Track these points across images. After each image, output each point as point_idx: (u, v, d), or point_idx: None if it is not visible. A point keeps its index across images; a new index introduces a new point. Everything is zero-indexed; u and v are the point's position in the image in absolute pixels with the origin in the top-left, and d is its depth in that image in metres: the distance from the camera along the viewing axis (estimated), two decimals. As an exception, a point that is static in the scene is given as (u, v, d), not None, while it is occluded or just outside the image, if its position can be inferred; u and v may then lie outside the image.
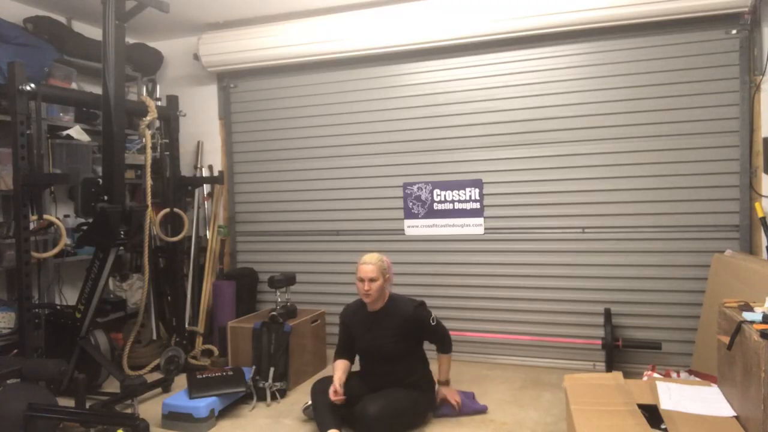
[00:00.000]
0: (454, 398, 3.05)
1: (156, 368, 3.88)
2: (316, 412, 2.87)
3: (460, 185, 4.07)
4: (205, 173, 4.77)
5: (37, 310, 3.38)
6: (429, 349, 3.09)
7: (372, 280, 2.90)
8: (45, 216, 3.31)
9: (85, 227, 3.42)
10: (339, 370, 2.95)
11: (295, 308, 3.82)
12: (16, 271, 3.19)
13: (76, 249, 3.84)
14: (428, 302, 3.10)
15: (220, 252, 4.65)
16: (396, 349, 2.93)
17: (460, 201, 4.08)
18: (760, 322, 2.06)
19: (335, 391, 2.80)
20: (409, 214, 4.22)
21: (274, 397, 3.35)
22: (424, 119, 4.14)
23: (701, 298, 3.40)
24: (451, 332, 3.14)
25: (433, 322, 2.98)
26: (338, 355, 3.07)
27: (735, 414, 2.18)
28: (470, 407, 3.09)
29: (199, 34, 4.50)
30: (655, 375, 3.06)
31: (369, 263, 2.93)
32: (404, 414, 2.85)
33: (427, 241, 4.17)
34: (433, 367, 3.12)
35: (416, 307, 2.98)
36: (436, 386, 3.11)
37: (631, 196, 3.68)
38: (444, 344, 3.08)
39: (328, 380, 2.93)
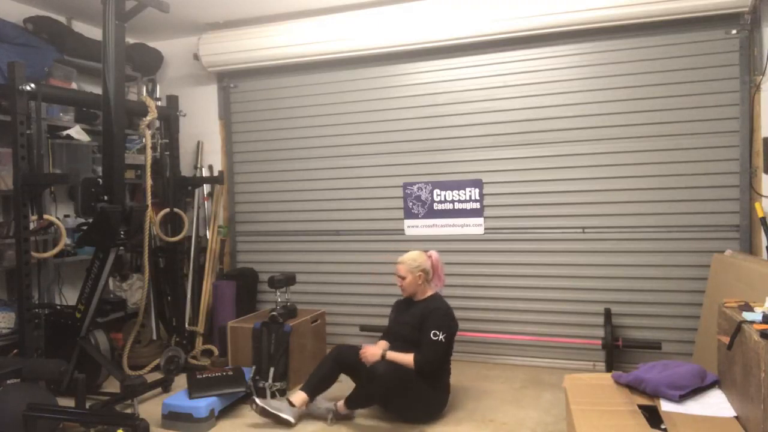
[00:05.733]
0: (371, 351, 2.96)
1: (156, 368, 3.88)
2: (315, 372, 3.09)
3: (460, 185, 4.07)
4: (205, 173, 4.77)
5: (37, 310, 3.38)
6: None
7: (401, 277, 3.13)
8: (45, 216, 3.31)
9: (85, 227, 3.42)
10: (380, 345, 3.15)
11: (295, 308, 3.82)
12: (16, 271, 3.20)
13: (76, 249, 3.84)
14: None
15: (220, 252, 4.65)
16: (409, 333, 3.04)
17: (460, 201, 4.07)
18: (760, 322, 2.06)
19: (366, 350, 2.98)
20: (409, 214, 4.22)
21: (274, 397, 3.34)
22: (424, 119, 4.14)
23: (701, 298, 3.40)
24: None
25: (434, 336, 2.92)
26: (382, 337, 3.26)
27: (735, 414, 2.18)
28: None
29: (199, 34, 4.50)
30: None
31: (400, 262, 3.15)
32: (412, 381, 2.88)
33: (427, 241, 4.15)
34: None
35: (435, 309, 3.04)
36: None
37: (631, 196, 3.68)
38: (421, 357, 2.89)
39: (345, 348, 3.16)
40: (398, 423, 2.97)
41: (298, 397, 3.01)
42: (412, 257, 3.15)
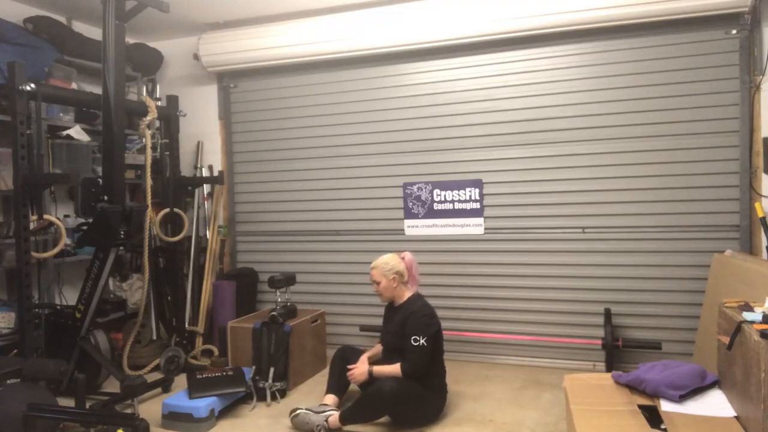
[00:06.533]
0: (359, 371, 3.04)
1: (156, 368, 3.88)
2: (329, 376, 3.19)
3: (460, 185, 4.07)
4: (205, 173, 4.77)
5: (37, 310, 3.38)
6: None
7: (376, 282, 3.09)
8: (45, 216, 3.31)
9: (85, 227, 3.42)
10: (374, 349, 3.27)
11: (295, 308, 3.83)
12: (16, 271, 3.19)
13: (76, 249, 3.84)
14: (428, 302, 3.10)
15: (220, 252, 4.65)
16: (394, 343, 3.02)
17: (460, 201, 4.07)
18: (760, 322, 2.06)
19: (354, 370, 3.06)
20: (409, 214, 4.22)
21: (274, 397, 3.35)
22: (424, 119, 4.14)
23: (701, 298, 3.40)
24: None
25: (414, 342, 2.88)
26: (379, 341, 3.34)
27: (735, 414, 2.18)
28: None
29: (199, 34, 4.50)
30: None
31: (373, 267, 3.12)
32: (415, 391, 2.87)
33: (427, 241, 4.16)
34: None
35: (411, 314, 2.98)
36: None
37: (631, 196, 3.68)
38: (408, 365, 2.89)
39: (348, 349, 3.27)
40: (395, 429, 2.93)
41: (329, 399, 3.08)
42: (385, 260, 3.09)
